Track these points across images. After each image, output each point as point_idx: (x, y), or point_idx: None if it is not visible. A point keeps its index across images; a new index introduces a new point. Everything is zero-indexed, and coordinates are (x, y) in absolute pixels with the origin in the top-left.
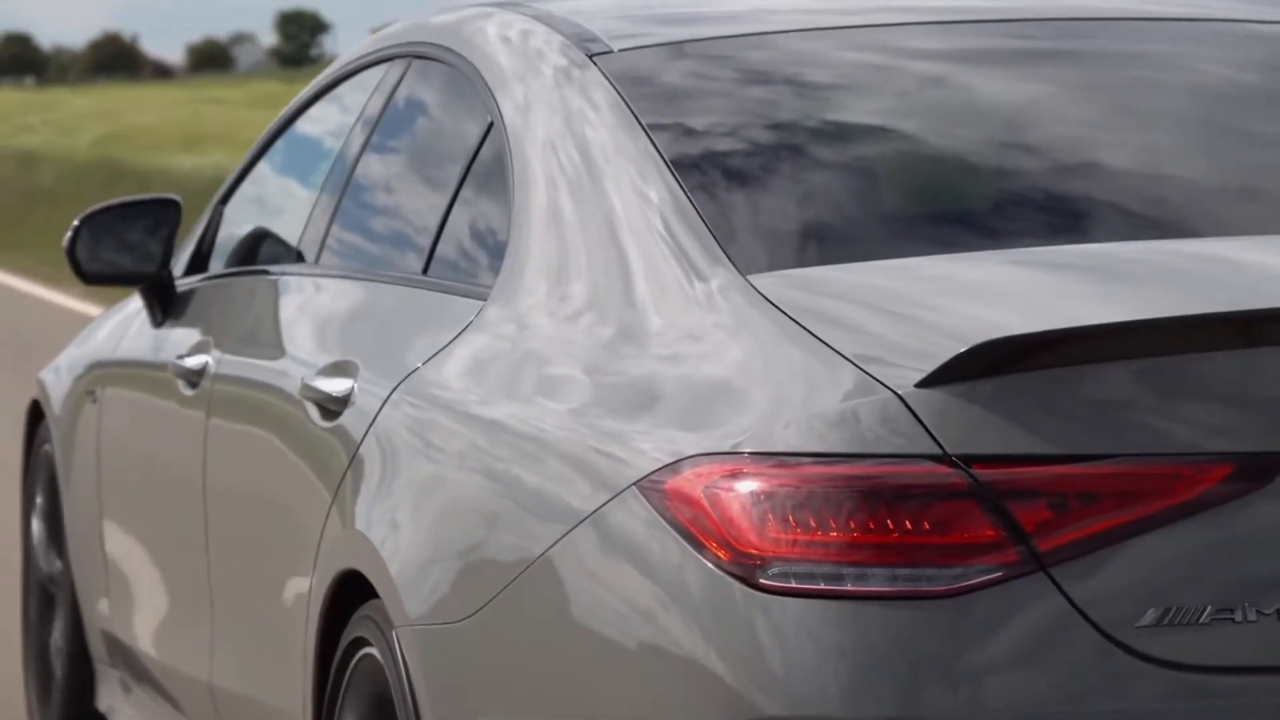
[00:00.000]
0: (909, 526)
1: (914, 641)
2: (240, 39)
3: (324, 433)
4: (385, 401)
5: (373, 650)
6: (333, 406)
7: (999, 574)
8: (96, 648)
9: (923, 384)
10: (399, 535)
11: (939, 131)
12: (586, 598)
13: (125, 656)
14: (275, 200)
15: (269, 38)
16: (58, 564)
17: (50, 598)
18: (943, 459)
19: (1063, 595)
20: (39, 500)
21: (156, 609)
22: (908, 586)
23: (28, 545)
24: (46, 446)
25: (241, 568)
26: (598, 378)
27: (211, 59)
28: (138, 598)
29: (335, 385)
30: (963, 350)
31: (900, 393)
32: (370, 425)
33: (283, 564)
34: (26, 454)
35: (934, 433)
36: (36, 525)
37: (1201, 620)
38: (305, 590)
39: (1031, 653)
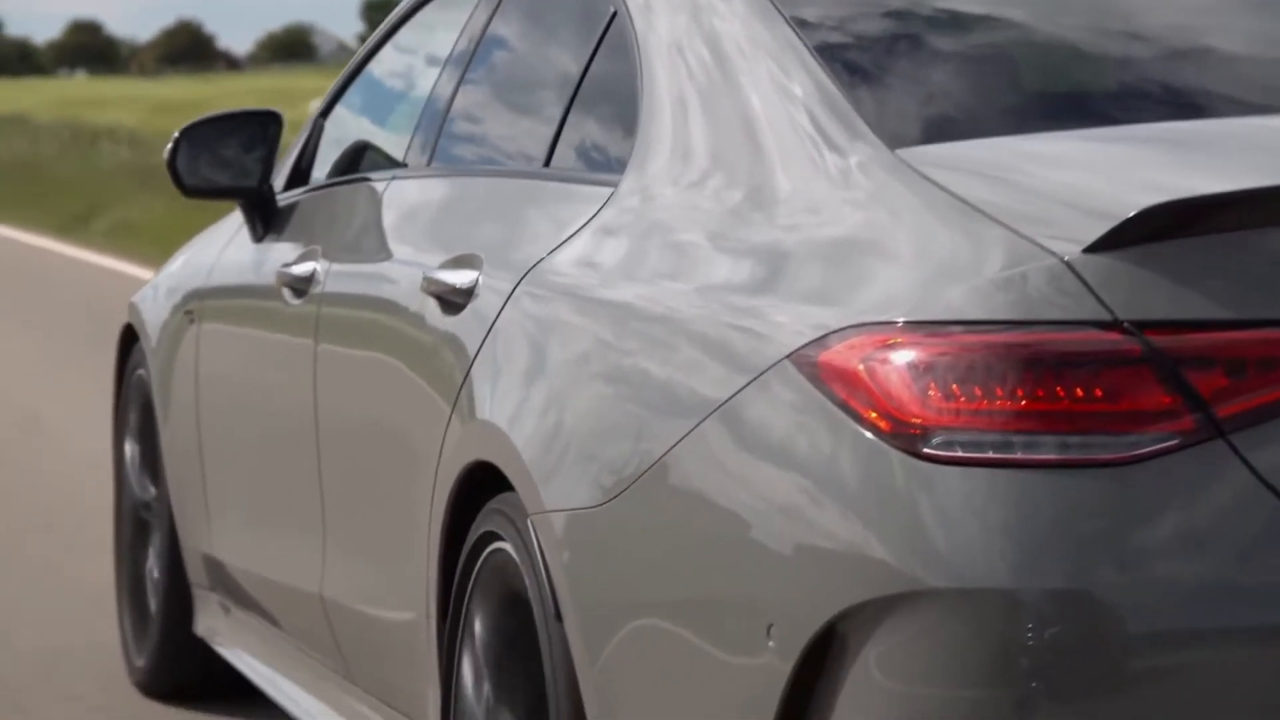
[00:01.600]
0: (1080, 394)
1: (1085, 511)
2: (306, 29)
3: (447, 327)
4: (512, 291)
5: (504, 544)
6: (456, 299)
7: (1175, 441)
8: (195, 572)
9: (1090, 249)
10: (531, 422)
11: (1063, 12)
12: (733, 477)
13: (225, 579)
14: (380, 110)
15: (341, 28)
16: (152, 490)
17: (144, 524)
18: (1113, 325)
19: (1244, 463)
20: (132, 426)
21: (262, 524)
22: (1079, 454)
23: (120, 472)
24: (140, 371)
25: (356, 472)
26: (740, 253)
27: (289, 49)
28: (241, 514)
29: (459, 278)
30: (1132, 214)
31: (1066, 258)
32: (497, 315)
33: (402, 465)
34: (119, 380)
35: (1103, 298)
36: (130, 451)
37: None
38: (428, 488)
39: (1210, 522)
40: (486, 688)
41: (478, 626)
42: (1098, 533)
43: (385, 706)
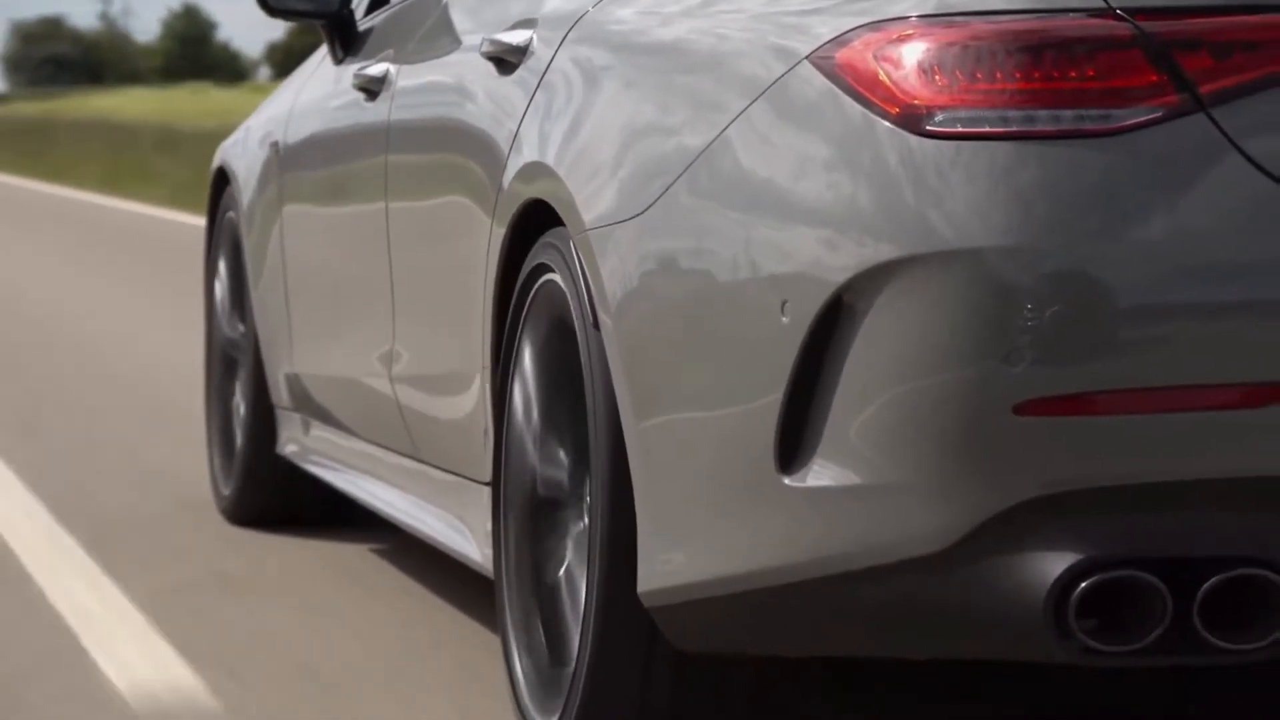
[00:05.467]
0: (1073, 74)
1: (1072, 178)
2: None
3: (504, 85)
4: (563, 39)
5: (553, 275)
6: (512, 58)
7: (1159, 114)
8: (279, 395)
9: None
10: (577, 155)
11: None
12: (751, 172)
13: (306, 397)
14: None
15: None
16: (240, 328)
17: (232, 362)
18: (1107, 12)
19: (1223, 134)
20: (222, 267)
21: (339, 325)
22: (1069, 126)
23: (210, 311)
24: (230, 214)
25: (420, 244)
26: None
27: None
28: (321, 322)
29: (515, 37)
30: None
31: None
32: (549, 63)
33: (462, 225)
34: (210, 224)
35: None
36: (219, 291)
37: None
38: (484, 240)
39: (1193, 190)
40: (535, 416)
41: (527, 358)
42: (1084, 198)
43: (452, 475)
